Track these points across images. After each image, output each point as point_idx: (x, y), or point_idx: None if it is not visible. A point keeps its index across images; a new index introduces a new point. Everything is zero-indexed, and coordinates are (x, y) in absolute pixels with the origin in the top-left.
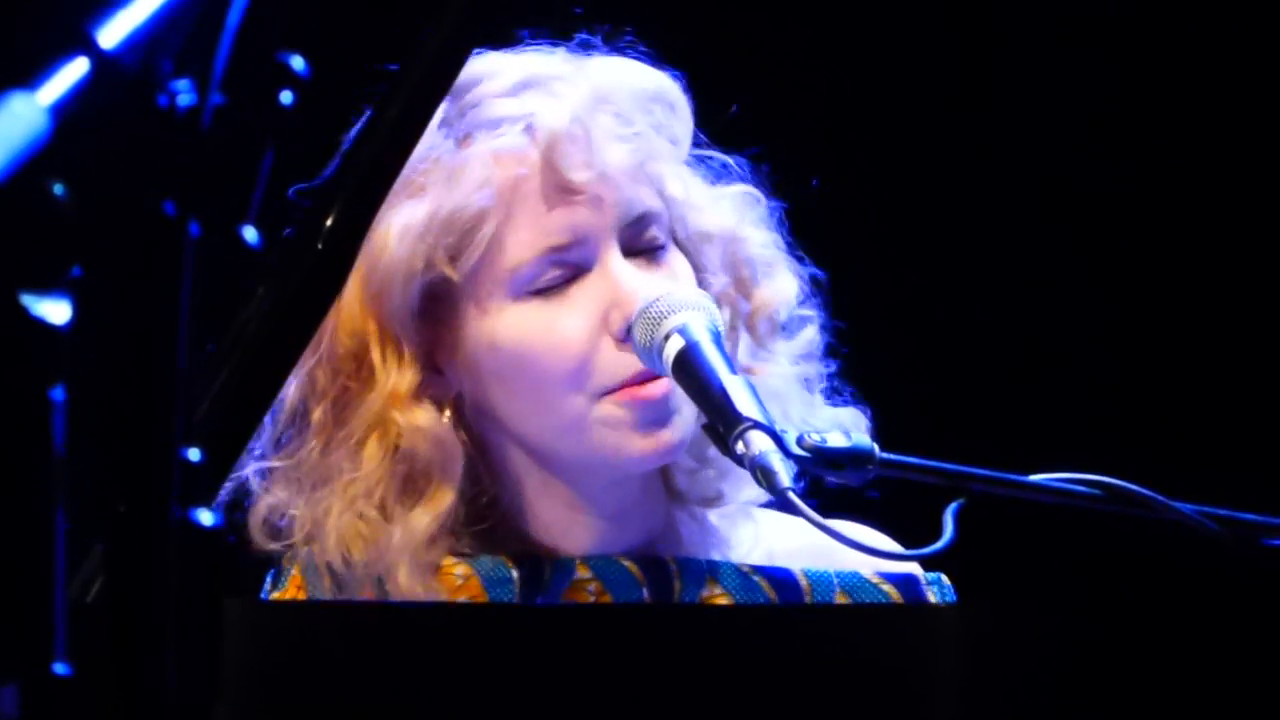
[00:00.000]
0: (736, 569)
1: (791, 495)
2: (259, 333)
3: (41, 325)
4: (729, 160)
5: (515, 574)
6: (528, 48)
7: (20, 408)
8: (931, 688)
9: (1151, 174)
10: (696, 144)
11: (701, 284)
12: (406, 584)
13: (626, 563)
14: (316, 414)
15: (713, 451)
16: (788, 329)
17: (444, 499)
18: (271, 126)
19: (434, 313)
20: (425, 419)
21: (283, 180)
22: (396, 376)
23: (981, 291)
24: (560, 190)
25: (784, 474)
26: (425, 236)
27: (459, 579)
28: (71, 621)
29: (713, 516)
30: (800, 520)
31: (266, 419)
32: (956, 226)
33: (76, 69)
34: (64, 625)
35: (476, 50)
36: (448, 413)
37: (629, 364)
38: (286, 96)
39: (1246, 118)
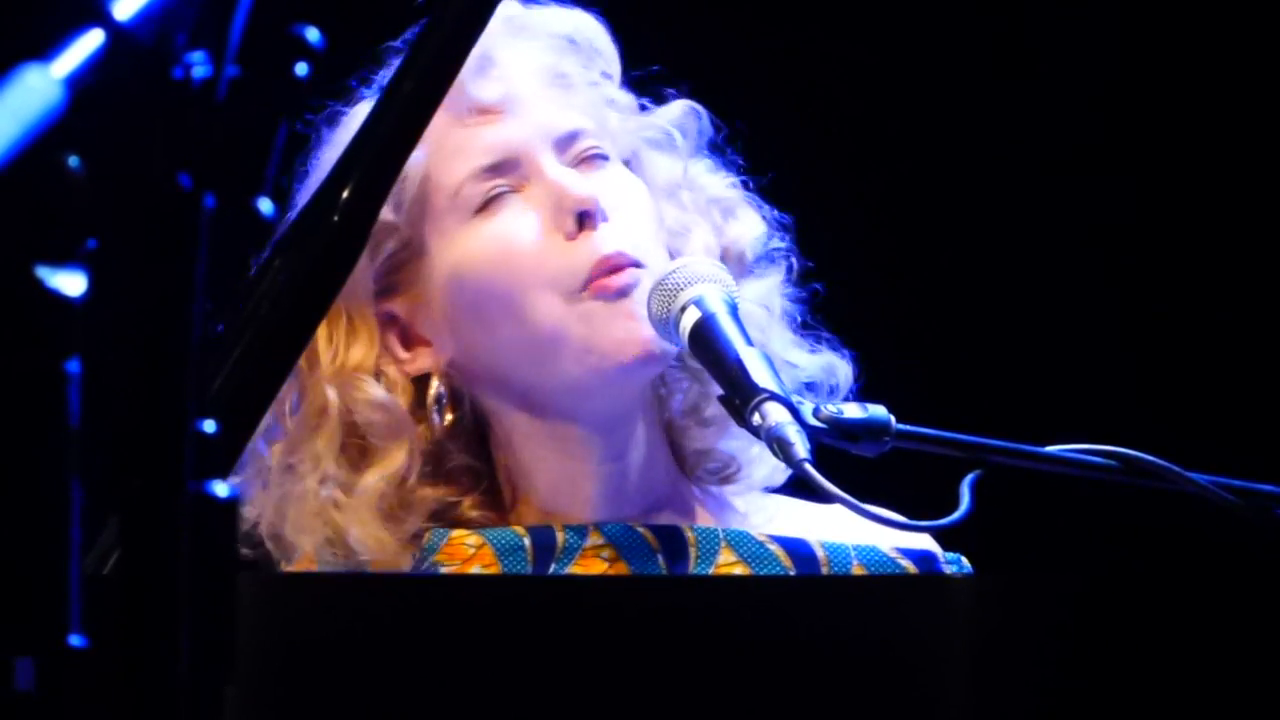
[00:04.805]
0: (752, 538)
1: (808, 466)
2: (275, 305)
3: (56, 298)
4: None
5: (527, 541)
6: None
7: (35, 381)
8: (943, 660)
9: (1167, 148)
10: (638, 85)
11: (668, 220)
12: (362, 542)
13: (640, 529)
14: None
15: (721, 421)
16: (756, 269)
17: (394, 459)
18: (287, 99)
19: (403, 283)
20: (367, 389)
21: (298, 152)
22: (343, 354)
23: (998, 261)
24: (478, 112)
25: (800, 445)
26: None
27: (471, 549)
28: (87, 594)
29: (729, 494)
30: (819, 503)
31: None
32: (969, 191)
33: (91, 41)
34: (80, 598)
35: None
36: (435, 383)
37: (586, 253)
38: (302, 68)
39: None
